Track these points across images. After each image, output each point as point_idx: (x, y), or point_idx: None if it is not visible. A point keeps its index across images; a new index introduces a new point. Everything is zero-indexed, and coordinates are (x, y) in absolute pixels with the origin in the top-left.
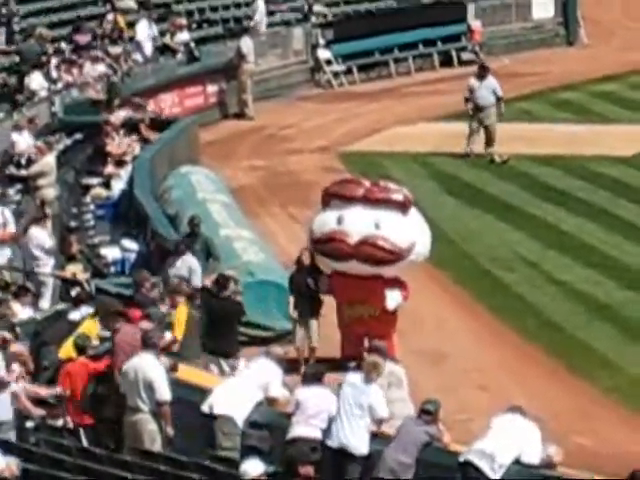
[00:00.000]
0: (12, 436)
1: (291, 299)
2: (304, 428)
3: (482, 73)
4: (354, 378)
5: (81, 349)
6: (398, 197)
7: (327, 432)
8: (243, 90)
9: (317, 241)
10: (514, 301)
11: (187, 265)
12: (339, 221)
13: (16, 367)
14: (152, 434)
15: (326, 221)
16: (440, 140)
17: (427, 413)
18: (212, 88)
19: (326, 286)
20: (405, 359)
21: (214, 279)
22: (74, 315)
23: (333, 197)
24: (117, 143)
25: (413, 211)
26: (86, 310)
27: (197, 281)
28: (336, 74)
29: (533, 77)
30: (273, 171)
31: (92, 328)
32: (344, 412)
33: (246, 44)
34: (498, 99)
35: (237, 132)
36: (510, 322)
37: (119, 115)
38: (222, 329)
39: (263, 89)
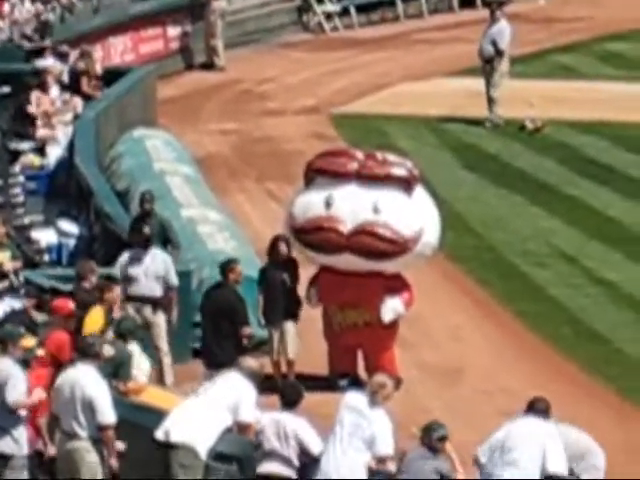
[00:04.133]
0: None
1: (261, 299)
2: (270, 464)
3: (492, 15)
4: (355, 400)
5: None
6: (400, 172)
7: (311, 466)
8: (212, 34)
9: (300, 230)
10: (547, 305)
11: (160, 259)
12: (328, 204)
13: None
14: (91, 466)
15: (311, 204)
16: (458, 101)
17: (440, 440)
18: (174, 31)
19: (316, 298)
20: (411, 377)
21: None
22: None
23: (319, 174)
24: (52, 99)
25: (419, 190)
26: (10, 304)
27: (174, 278)
28: (329, 15)
29: (575, 23)
30: (248, 137)
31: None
32: (339, 442)
33: None
34: (497, 52)
35: (204, 87)
36: (542, 332)
37: (52, 64)
38: (226, 330)
39: (238, 33)
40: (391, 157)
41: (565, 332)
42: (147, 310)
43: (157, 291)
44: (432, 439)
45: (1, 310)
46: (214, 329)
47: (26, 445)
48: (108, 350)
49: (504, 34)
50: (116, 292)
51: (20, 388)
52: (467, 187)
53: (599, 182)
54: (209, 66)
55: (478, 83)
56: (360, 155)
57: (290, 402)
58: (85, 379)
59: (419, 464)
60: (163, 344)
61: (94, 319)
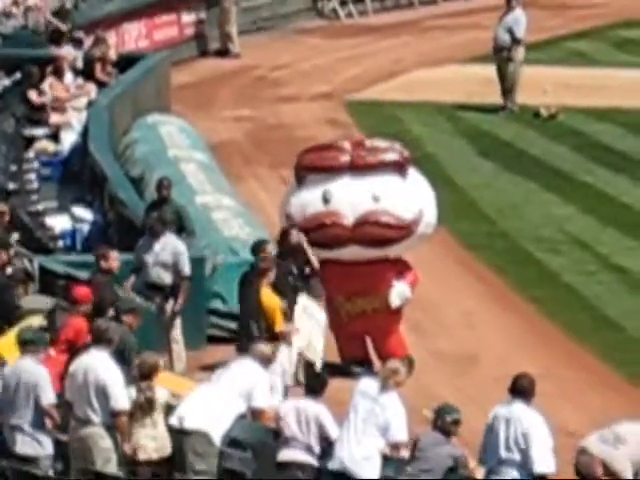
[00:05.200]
0: None
1: None
2: (291, 451)
3: (508, 3)
4: (367, 386)
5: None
6: (392, 157)
7: (327, 453)
8: (227, 20)
9: (300, 228)
10: (562, 292)
11: (170, 248)
12: (326, 200)
13: None
14: (105, 452)
15: (308, 201)
16: (473, 88)
17: (453, 423)
18: (188, 17)
19: (322, 292)
20: (424, 363)
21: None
22: None
23: (310, 171)
24: (66, 85)
25: (412, 171)
26: None
27: (186, 267)
28: (343, 2)
29: (589, 10)
30: (262, 123)
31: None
32: (353, 429)
33: None
34: (514, 40)
35: (218, 73)
36: (557, 318)
37: (67, 51)
38: None
39: (252, 19)
40: (379, 142)
41: (579, 319)
42: (157, 298)
43: (166, 279)
44: (445, 422)
45: None
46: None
47: (50, 445)
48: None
49: (520, 22)
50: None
51: (51, 390)
52: (482, 174)
53: (614, 169)
54: (224, 53)
55: (492, 70)
56: (348, 146)
57: (314, 389)
58: (98, 365)
59: (435, 450)
60: (173, 332)
61: (272, 300)
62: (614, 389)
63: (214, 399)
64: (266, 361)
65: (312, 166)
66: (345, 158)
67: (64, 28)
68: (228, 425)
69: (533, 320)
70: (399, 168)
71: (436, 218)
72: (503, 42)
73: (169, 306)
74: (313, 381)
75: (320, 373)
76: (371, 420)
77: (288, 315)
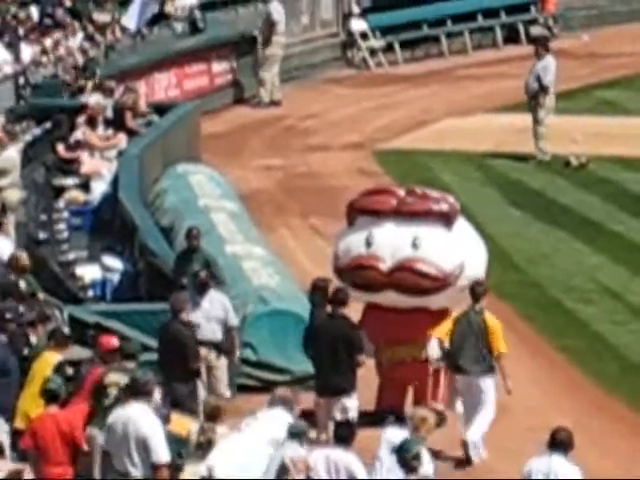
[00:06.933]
0: None
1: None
2: None
3: (537, 52)
4: (395, 435)
5: (53, 396)
6: (441, 208)
7: None
8: (260, 66)
9: (343, 269)
10: (592, 341)
11: (218, 303)
12: (368, 243)
13: None
14: None
15: (353, 243)
16: (503, 136)
17: (415, 458)
18: (219, 66)
19: (370, 347)
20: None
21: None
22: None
23: (360, 213)
24: (99, 135)
25: (461, 223)
26: None
27: (234, 318)
28: (373, 51)
29: (619, 59)
30: (293, 172)
31: (50, 360)
32: (379, 478)
33: (277, 10)
34: (541, 88)
35: (249, 122)
36: (587, 367)
37: (97, 100)
38: (342, 358)
39: (282, 69)
40: (431, 192)
41: (610, 368)
42: (211, 354)
43: (219, 334)
44: (407, 459)
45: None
46: (336, 356)
47: None
48: (120, 378)
49: (548, 70)
50: None
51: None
52: (512, 223)
53: None
54: (255, 102)
55: (522, 119)
56: (401, 192)
57: (343, 439)
58: (139, 417)
59: None
60: (223, 388)
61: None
62: None
63: (243, 448)
64: (287, 403)
65: (361, 208)
66: (392, 203)
67: (86, 83)
68: (257, 474)
69: (564, 369)
70: (445, 219)
71: (482, 273)
72: (533, 90)
73: (222, 362)
74: (342, 430)
75: (349, 422)
76: (396, 470)
77: None
